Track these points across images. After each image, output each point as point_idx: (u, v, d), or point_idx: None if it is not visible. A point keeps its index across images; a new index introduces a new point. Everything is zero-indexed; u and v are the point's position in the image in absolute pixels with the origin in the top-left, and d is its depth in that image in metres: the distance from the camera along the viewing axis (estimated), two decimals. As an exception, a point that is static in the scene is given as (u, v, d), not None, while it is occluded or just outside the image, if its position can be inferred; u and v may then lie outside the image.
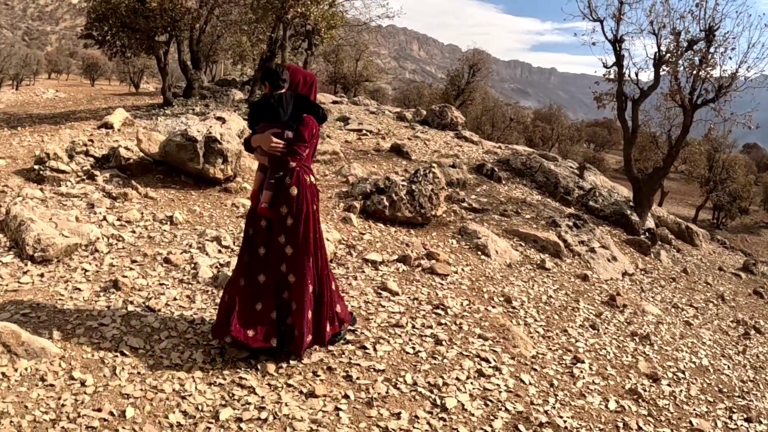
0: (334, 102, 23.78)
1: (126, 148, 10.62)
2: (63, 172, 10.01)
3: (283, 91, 5.04)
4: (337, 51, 36.26)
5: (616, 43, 13.92)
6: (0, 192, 9.27)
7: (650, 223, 14.11)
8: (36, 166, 10.26)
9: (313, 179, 5.12)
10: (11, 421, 4.20)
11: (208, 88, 22.95)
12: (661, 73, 13.76)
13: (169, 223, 8.26)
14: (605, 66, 14.35)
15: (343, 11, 22.54)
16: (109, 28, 20.93)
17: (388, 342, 5.65)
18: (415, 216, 9.35)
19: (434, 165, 10.12)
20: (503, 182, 13.40)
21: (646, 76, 14.48)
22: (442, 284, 7.32)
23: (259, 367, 5.01)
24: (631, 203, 13.82)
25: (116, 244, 7.50)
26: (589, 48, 14.35)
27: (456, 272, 7.80)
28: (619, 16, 13.83)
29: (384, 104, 31.73)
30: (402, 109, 25.10)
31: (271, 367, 4.99)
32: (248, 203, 9.09)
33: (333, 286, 5.37)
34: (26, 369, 4.76)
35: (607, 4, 16.92)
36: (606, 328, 7.28)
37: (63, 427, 4.18)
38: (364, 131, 16.61)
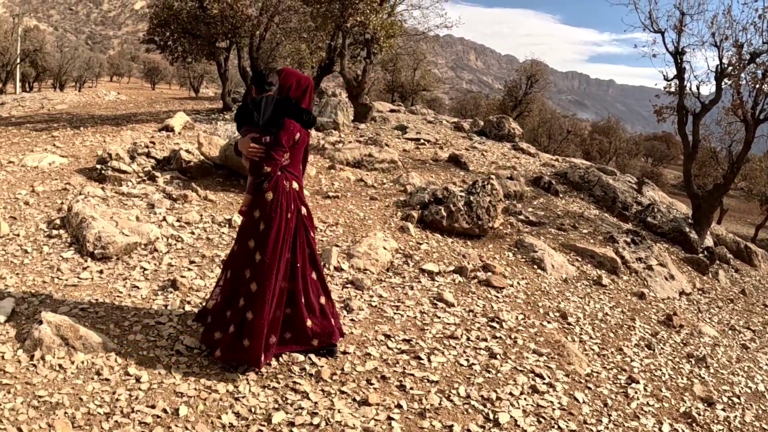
0: (392, 110, 23.85)
1: (187, 150, 10.78)
2: (124, 172, 10.19)
3: (269, 94, 4.98)
4: (395, 60, 36.36)
5: (677, 55, 13.66)
6: (62, 189, 9.48)
7: (709, 241, 13.83)
8: (98, 166, 10.47)
9: (296, 185, 5.00)
10: (65, 413, 4.29)
11: (267, 94, 23.20)
12: (723, 87, 13.46)
13: (227, 225, 8.36)
14: (666, 79, 14.09)
15: (401, 20, 22.59)
16: (170, 33, 21.30)
17: (443, 353, 5.62)
18: (472, 227, 9.31)
19: (492, 177, 10.06)
20: (560, 196, 13.27)
21: (708, 89, 14.11)
22: (497, 297, 7.27)
23: (313, 372, 5.02)
24: (690, 220, 13.56)
25: (175, 244, 7.62)
26: (647, 60, 14.20)
27: (512, 285, 7.74)
28: (680, 27, 13.58)
29: (441, 114, 31.72)
30: (459, 120, 25.06)
31: (325, 373, 4.99)
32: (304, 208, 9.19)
33: (317, 300, 5.22)
34: (83, 362, 4.86)
35: (668, 15, 16.64)
36: (662, 348, 7.15)
37: (116, 421, 4.24)
38: (422, 140, 16.62)
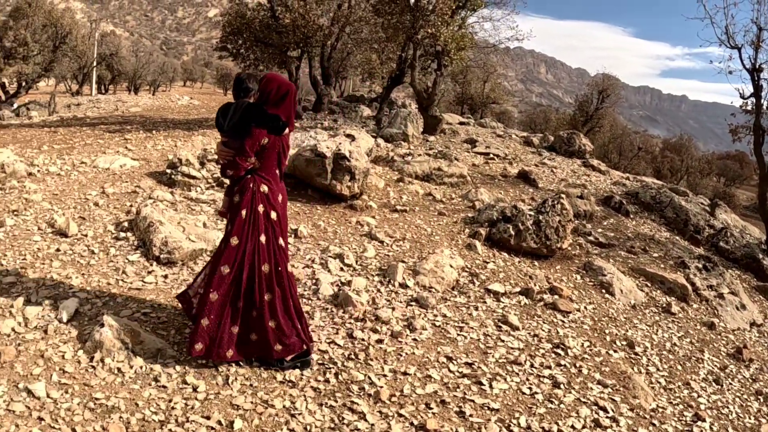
0: (461, 123, 23.76)
1: (256, 159, 10.88)
2: (194, 177, 10.33)
3: (246, 100, 5.06)
4: (466, 72, 36.24)
5: (755, 72, 13.20)
6: (132, 192, 9.63)
7: (783, 269, 13.39)
8: (168, 170, 10.62)
9: (265, 188, 5.05)
10: (120, 417, 4.34)
11: (337, 103, 23.37)
12: (803, 107, 13.01)
13: (293, 236, 8.35)
14: (742, 96, 13.62)
15: (472, 33, 22.49)
16: (243, 41, 21.63)
17: (505, 380, 5.51)
18: (540, 247, 9.17)
19: (562, 196, 9.89)
20: (631, 216, 13.00)
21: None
22: (563, 322, 7.11)
23: (372, 393, 4.98)
24: (764, 246, 13.15)
25: None
26: (722, 75, 13.74)
27: (578, 310, 7.57)
28: (757, 43, 13.12)
29: (510, 127, 31.52)
30: (529, 134, 24.82)
31: (384, 394, 4.94)
32: (373, 221, 9.18)
33: (279, 307, 5.14)
34: (141, 367, 4.93)
35: (745, 31, 16.16)
36: (730, 383, 6.89)
37: (170, 430, 4.28)
38: (491, 155, 16.48)
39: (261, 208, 5.01)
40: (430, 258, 7.76)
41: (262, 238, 5.03)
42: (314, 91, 23.18)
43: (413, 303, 6.82)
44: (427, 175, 12.29)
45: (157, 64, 67.53)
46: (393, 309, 6.51)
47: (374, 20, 20.82)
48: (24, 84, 35.71)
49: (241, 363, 5.14)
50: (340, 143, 10.24)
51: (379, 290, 7.02)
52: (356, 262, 7.70)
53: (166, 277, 6.74)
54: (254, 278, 5.03)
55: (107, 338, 5.05)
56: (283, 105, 5.02)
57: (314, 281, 6.95)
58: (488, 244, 9.26)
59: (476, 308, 7.00)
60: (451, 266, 7.70)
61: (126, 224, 8.03)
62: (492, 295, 7.43)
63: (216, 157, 11.16)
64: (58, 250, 7.20)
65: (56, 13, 36.22)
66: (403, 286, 7.19)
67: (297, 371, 5.15)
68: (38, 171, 10.83)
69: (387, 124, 17.63)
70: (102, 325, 5.15)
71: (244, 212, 4.96)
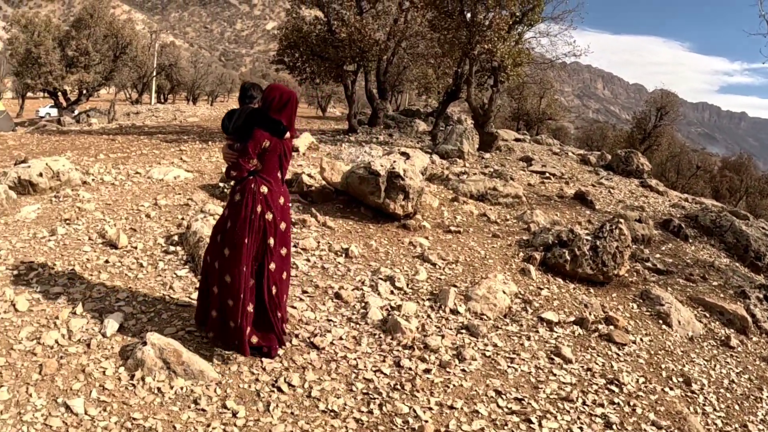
0: (517, 140, 23.58)
1: (309, 175, 10.89)
2: (247, 192, 10.36)
3: (251, 106, 5.53)
4: (522, 87, 36.02)
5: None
6: (184, 205, 9.70)
7: None
8: (221, 184, 10.71)
9: (265, 189, 5.30)
10: (156, 438, 4.31)
11: (393, 117, 23.38)
12: None
13: (344, 255, 8.32)
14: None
15: (529, 48, 22.33)
16: (299, 55, 21.85)
17: (555, 418, 5.32)
18: (597, 274, 8.94)
19: (621, 220, 9.64)
20: (690, 241, 12.67)
21: None
22: (618, 355, 6.88)
23: (416, 427, 4.86)
24: (830, 276, 12.72)
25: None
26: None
27: (634, 342, 7.32)
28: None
29: (566, 144, 31.20)
30: (585, 152, 24.53)
31: (429, 429, 4.82)
32: (426, 242, 9.09)
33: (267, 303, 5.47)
34: (181, 388, 4.91)
35: (809, 46, 15.60)
36: (791, 425, 6.64)
37: (207, 457, 4.21)
38: (547, 174, 16.29)
39: (259, 208, 5.28)
40: (483, 283, 7.62)
41: (255, 237, 5.30)
42: (370, 104, 23.28)
43: (464, 331, 6.68)
44: (482, 195, 12.17)
45: (216, 75, 68.81)
46: (442, 337, 6.39)
47: (431, 35, 20.85)
48: (85, 92, 36.52)
49: (282, 389, 5.09)
50: (394, 161, 10.17)
51: (429, 316, 6.90)
52: (407, 285, 7.60)
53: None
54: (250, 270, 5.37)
55: (149, 357, 5.06)
56: (284, 111, 5.29)
57: (363, 304, 6.88)
58: (543, 269, 9.07)
59: (528, 338, 6.82)
60: (504, 292, 7.55)
61: (176, 238, 8.11)
62: (545, 324, 7.24)
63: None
64: (107, 261, 7.28)
65: (117, 24, 37.01)
66: (454, 312, 7.06)
67: (341, 401, 5.07)
68: (93, 180, 10.99)
69: (442, 141, 17.56)
70: (144, 343, 5.16)
71: (243, 212, 5.23)
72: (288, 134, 5.33)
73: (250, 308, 5.34)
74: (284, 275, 5.64)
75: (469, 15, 19.03)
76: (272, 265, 5.43)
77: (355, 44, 20.15)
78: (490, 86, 21.69)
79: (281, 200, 5.46)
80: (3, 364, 5.02)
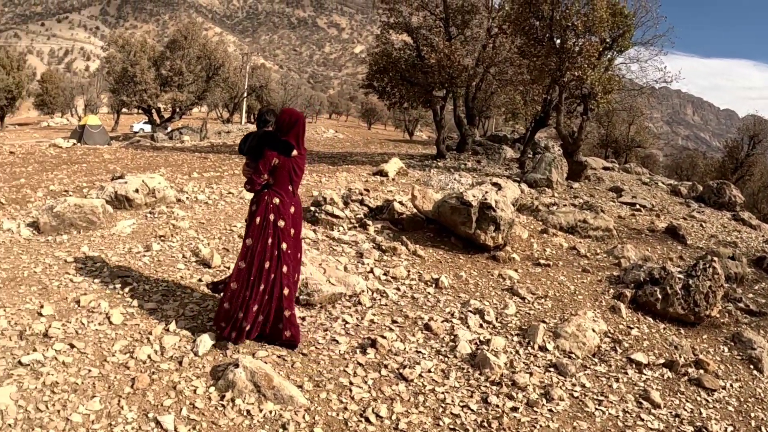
0: (605, 168, 23.29)
1: (400, 203, 10.95)
2: (337, 217, 10.49)
3: (266, 128, 6.34)
4: (611, 114, 35.53)
5: None
6: (275, 228, 9.87)
7: None
8: (312, 208, 10.84)
9: (277, 200, 6.02)
10: (241, 460, 4.36)
11: (480, 143, 23.39)
12: None
13: (434, 285, 8.33)
14: None
15: (619, 75, 22.01)
16: (389, 80, 22.06)
17: (644, 468, 5.20)
18: (688, 314, 8.71)
19: (714, 259, 9.38)
20: (784, 280, 12.26)
21: None
22: (707, 401, 6.64)
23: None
24: None
25: (379, 299, 7.66)
26: None
27: (724, 387, 7.04)
28: None
29: (655, 172, 30.65)
30: (676, 182, 24.03)
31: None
32: (515, 275, 9.04)
33: (272, 295, 6.07)
34: (270, 412, 4.96)
35: None
36: None
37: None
38: (637, 206, 16.02)
39: (272, 217, 5.99)
40: (573, 320, 7.51)
41: (269, 241, 5.99)
42: (458, 130, 23.34)
43: (552, 369, 6.57)
44: (571, 227, 12.04)
45: (305, 97, 70.35)
46: (530, 374, 6.31)
47: (519, 61, 20.78)
48: (178, 110, 37.79)
49: (370, 419, 5.11)
50: (486, 192, 10.17)
51: (517, 352, 6.83)
52: (496, 319, 7.55)
53: (303, 319, 6.79)
54: (261, 271, 6.00)
55: (240, 379, 5.15)
56: (293, 131, 5.99)
57: (452, 337, 6.86)
58: (633, 306, 8.87)
59: (617, 380, 6.66)
60: (593, 330, 7.41)
61: (269, 260, 8.23)
62: (634, 366, 7.06)
63: (360, 197, 11.37)
64: (200, 280, 7.49)
65: (210, 46, 38.28)
66: (543, 349, 6.97)
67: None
68: (187, 198, 11.29)
69: (531, 169, 17.48)
70: (237, 365, 5.26)
71: (258, 219, 5.97)
72: (295, 152, 6.02)
73: (255, 308, 6.00)
74: (296, 277, 6.36)
75: (558, 41, 18.96)
76: (284, 268, 6.06)
77: (444, 70, 20.27)
78: (579, 114, 21.47)
79: (292, 209, 6.16)
80: (96, 375, 5.21)
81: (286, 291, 6.05)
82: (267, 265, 5.98)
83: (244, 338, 5.99)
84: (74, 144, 29.54)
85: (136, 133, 52.37)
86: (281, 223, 6.03)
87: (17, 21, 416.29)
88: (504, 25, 21.42)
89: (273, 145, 5.96)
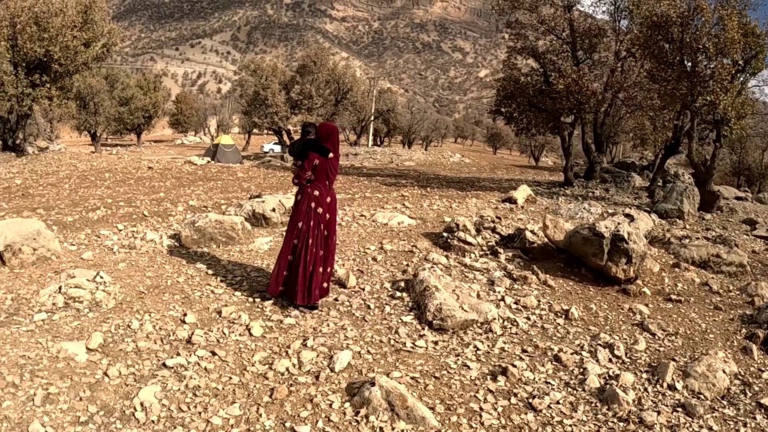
0: (738, 198, 22.60)
1: (532, 232, 11.10)
2: (469, 243, 10.72)
3: (309, 137, 7.78)
4: (743, 140, 34.30)
5: None
6: (408, 251, 10.19)
7: None
8: (445, 234, 11.12)
9: (317, 193, 7.53)
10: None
11: (608, 170, 23.16)
12: None
13: (563, 317, 8.41)
14: None
15: (753, 99, 21.34)
16: (516, 106, 22.16)
17: None
18: (823, 359, 8.50)
19: None
20: None
21: None
22: (836, 452, 6.40)
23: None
24: None
25: (510, 328, 7.81)
26: None
27: None
28: None
29: (792, 202, 29.36)
30: (813, 214, 23.07)
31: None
32: (646, 310, 9.01)
33: (315, 268, 7.53)
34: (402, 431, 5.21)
35: None
36: None
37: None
38: (773, 239, 15.56)
39: (313, 205, 7.49)
40: (703, 360, 7.42)
41: (311, 224, 7.46)
42: (586, 156, 23.20)
43: (679, 409, 6.49)
44: (704, 262, 11.84)
45: (431, 121, 71.36)
46: (658, 413, 6.28)
47: (649, 86, 20.50)
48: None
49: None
50: (618, 223, 10.19)
51: (645, 389, 6.80)
52: (625, 354, 7.55)
53: (436, 343, 7.04)
54: (305, 246, 7.47)
55: (376, 397, 5.43)
56: (330, 139, 7.57)
57: (581, 370, 6.91)
58: (765, 348, 8.60)
59: (744, 424, 6.47)
60: (724, 371, 7.29)
61: (402, 284, 8.61)
62: (763, 411, 6.83)
63: (492, 225, 11.63)
64: (336, 299, 7.97)
65: (339, 71, 39.69)
66: (671, 387, 6.92)
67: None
68: (320, 219, 11.82)
69: (661, 198, 17.27)
70: (373, 384, 5.55)
71: (303, 207, 7.50)
72: (331, 155, 7.56)
73: (311, 268, 7.49)
74: (329, 255, 7.75)
75: (689, 64, 18.66)
76: (321, 252, 7.56)
77: (572, 96, 20.22)
78: (711, 141, 20.97)
79: (328, 199, 7.63)
80: (237, 383, 5.69)
81: (320, 268, 7.60)
82: (311, 242, 7.42)
83: (307, 298, 7.50)
84: (208, 161, 31.09)
85: (266, 153, 54.45)
86: (320, 210, 7.52)
87: (153, 46, 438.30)
88: (632, 48, 21.15)
89: (314, 149, 7.51)
